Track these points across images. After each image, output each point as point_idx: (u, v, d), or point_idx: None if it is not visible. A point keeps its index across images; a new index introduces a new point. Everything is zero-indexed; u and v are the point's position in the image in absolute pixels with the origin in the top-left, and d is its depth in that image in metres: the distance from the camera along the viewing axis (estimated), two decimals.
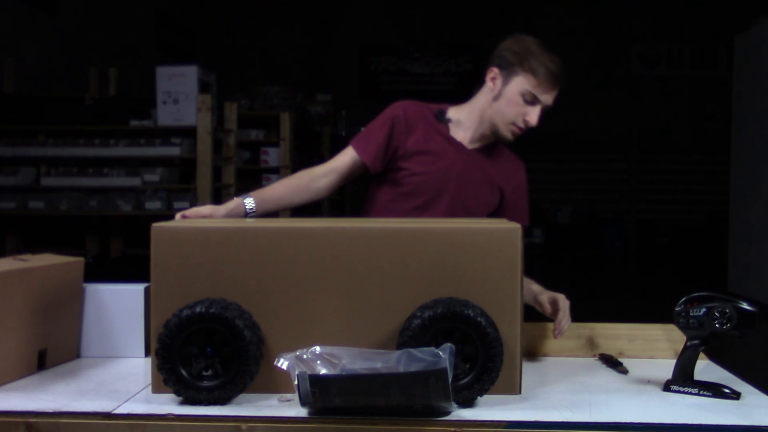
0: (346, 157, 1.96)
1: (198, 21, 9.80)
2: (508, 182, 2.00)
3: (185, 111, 4.93)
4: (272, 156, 5.75)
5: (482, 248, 1.32)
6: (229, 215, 1.74)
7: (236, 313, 1.27)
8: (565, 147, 9.95)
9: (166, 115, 4.95)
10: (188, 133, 5.03)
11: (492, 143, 2.01)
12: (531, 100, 1.85)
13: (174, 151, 5.05)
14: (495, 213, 2.02)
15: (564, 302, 1.68)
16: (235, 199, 1.80)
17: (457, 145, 1.96)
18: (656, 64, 10.15)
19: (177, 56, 8.65)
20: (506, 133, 1.91)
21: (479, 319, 1.25)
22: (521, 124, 1.88)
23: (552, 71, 1.83)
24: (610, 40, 10.02)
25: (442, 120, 1.98)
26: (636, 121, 9.92)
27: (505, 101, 1.88)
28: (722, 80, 8.42)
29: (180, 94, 4.92)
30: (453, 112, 2.01)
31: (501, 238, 1.33)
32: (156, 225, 1.35)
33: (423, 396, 1.16)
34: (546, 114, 1.89)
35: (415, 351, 1.19)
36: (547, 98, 1.86)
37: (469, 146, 1.98)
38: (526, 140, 2.02)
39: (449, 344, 1.19)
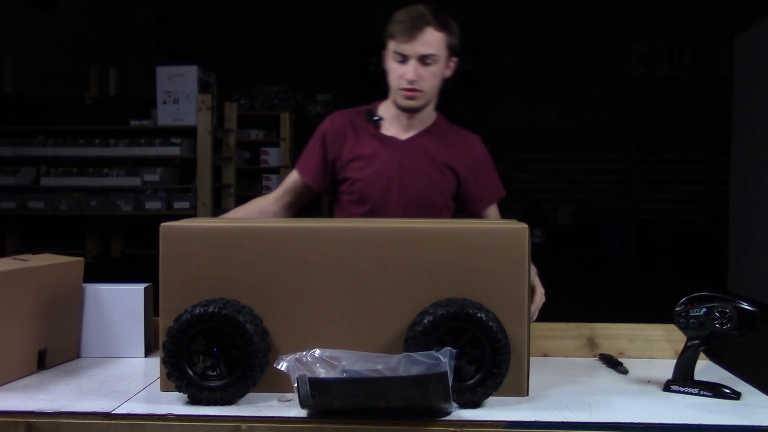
0: (291, 177, 2.02)
1: (198, 21, 9.80)
2: (461, 161, 1.96)
3: (185, 111, 4.93)
4: (272, 156, 5.76)
5: (489, 248, 1.32)
6: None
7: (248, 318, 1.28)
8: (565, 147, 9.94)
9: (166, 115, 4.96)
10: (188, 133, 5.03)
11: (433, 125, 1.98)
12: (400, 59, 1.84)
13: (174, 151, 5.05)
14: (459, 194, 1.99)
15: (539, 295, 1.70)
16: None
17: (389, 141, 1.95)
18: (656, 64, 10.14)
19: (177, 56, 8.65)
20: (400, 100, 1.89)
21: (491, 323, 1.24)
22: (405, 85, 1.85)
23: (401, 21, 1.82)
24: (610, 40, 10.01)
25: (371, 120, 1.97)
26: (636, 121, 9.91)
27: (389, 74, 1.89)
28: (722, 80, 8.43)
29: (180, 94, 4.93)
30: (383, 109, 1.99)
31: (508, 238, 1.32)
32: (165, 224, 1.36)
33: (423, 398, 1.16)
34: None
35: (415, 355, 1.19)
36: (412, 48, 1.82)
37: (404, 137, 1.95)
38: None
39: (449, 348, 1.19)
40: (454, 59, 1.91)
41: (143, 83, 6.08)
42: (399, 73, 1.85)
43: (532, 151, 9.81)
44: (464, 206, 2.02)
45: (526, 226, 1.34)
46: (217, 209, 5.09)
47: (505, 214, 2.03)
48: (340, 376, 1.19)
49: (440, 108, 2.02)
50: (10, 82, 5.47)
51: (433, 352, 1.19)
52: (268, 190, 5.39)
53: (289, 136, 5.63)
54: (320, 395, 1.16)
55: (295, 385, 1.17)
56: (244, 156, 5.76)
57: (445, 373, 1.14)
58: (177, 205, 5.03)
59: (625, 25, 10.00)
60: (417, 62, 1.82)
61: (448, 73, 1.93)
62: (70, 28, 6.76)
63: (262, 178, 5.78)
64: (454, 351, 1.20)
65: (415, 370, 1.17)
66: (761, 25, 5.88)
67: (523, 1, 9.93)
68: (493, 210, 2.05)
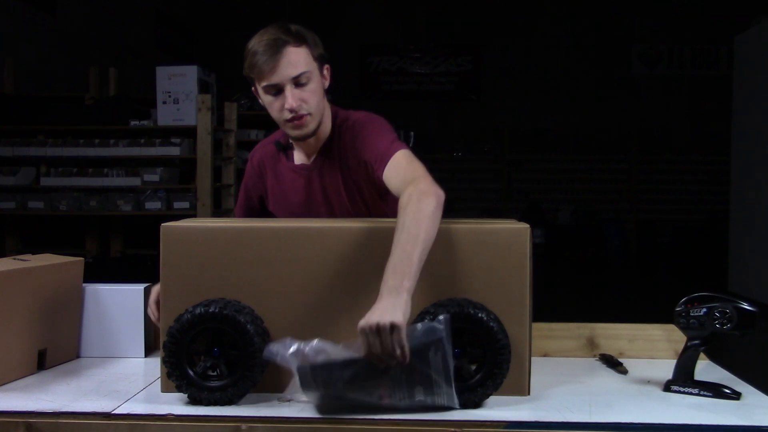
0: (240, 204, 1.99)
1: (198, 21, 9.80)
2: (360, 147, 1.76)
3: (185, 111, 4.93)
4: None
5: (491, 248, 1.32)
6: None
7: (249, 318, 1.27)
8: (565, 147, 9.94)
9: (166, 115, 4.96)
10: (188, 133, 5.03)
11: (334, 130, 1.81)
12: (274, 91, 1.68)
13: (174, 151, 5.05)
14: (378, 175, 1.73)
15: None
16: None
17: (299, 170, 1.83)
18: (656, 64, 10.14)
19: (177, 56, 8.65)
20: (291, 132, 1.73)
21: (491, 324, 1.25)
22: (289, 116, 1.68)
23: (257, 53, 1.65)
24: (610, 40, 10.01)
25: (282, 150, 1.85)
26: (636, 121, 9.91)
27: (269, 109, 1.73)
28: (722, 80, 8.42)
29: (180, 94, 4.92)
30: None
31: (509, 238, 1.33)
32: (165, 225, 1.36)
33: (423, 370, 1.17)
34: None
35: (410, 328, 1.19)
36: (280, 75, 1.65)
37: (311, 161, 1.82)
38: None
39: (444, 315, 1.20)
40: (327, 66, 1.78)
41: (143, 83, 6.08)
42: (278, 107, 1.69)
43: (532, 151, 9.80)
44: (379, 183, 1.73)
45: (527, 226, 1.34)
46: (217, 209, 5.09)
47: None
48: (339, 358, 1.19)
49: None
50: (10, 82, 5.47)
51: (428, 322, 1.19)
52: None
53: None
54: (323, 380, 1.17)
55: (296, 374, 1.17)
56: (244, 156, 5.76)
57: (442, 338, 1.17)
58: (177, 205, 5.03)
59: (625, 25, 10.00)
60: (292, 87, 1.67)
61: (327, 83, 1.80)
62: (70, 28, 6.75)
63: None
64: (449, 316, 1.20)
65: (412, 342, 1.18)
66: (761, 25, 5.88)
67: (523, 1, 9.93)
68: (389, 171, 1.65)
